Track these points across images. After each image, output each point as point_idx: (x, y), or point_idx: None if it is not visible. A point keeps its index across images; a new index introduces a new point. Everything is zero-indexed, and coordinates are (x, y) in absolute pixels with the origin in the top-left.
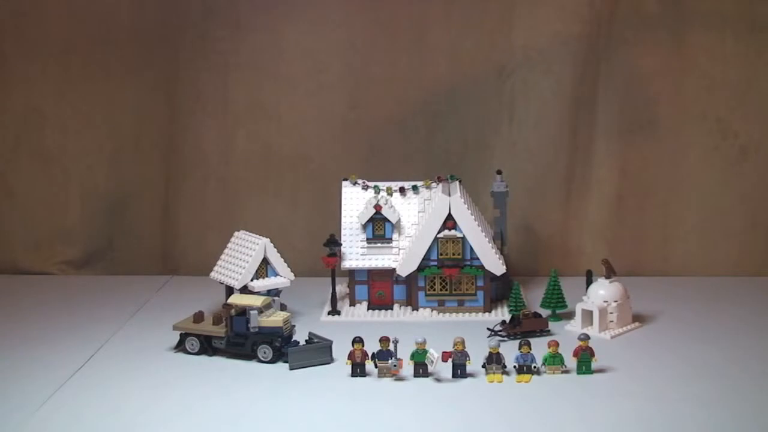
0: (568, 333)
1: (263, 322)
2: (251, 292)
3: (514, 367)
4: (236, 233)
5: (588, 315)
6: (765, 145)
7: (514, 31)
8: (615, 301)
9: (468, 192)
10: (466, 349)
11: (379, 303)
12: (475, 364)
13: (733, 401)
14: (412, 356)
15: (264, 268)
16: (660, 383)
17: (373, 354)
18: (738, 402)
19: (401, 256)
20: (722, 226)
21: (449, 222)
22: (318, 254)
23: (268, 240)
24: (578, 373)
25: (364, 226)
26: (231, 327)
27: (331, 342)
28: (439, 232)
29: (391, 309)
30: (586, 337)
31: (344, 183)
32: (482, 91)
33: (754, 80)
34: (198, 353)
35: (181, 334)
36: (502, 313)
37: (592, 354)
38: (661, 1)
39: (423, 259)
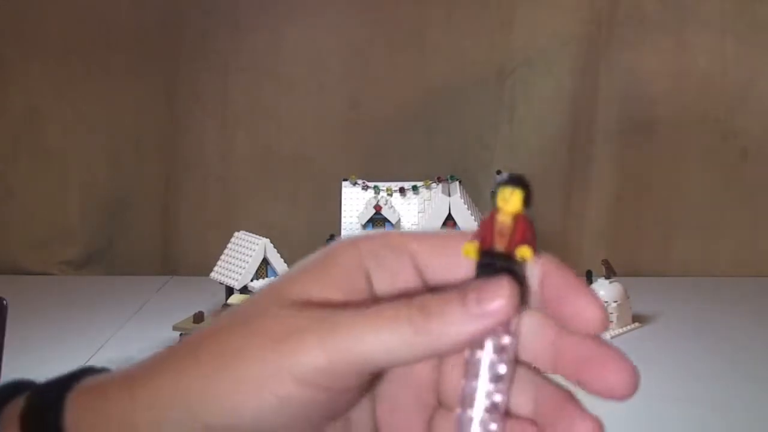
0: None
1: None
2: (251, 293)
3: None
4: (236, 233)
5: None
6: (765, 145)
7: (514, 31)
8: (615, 302)
9: (468, 192)
10: None
11: None
12: None
13: (734, 402)
14: None
15: (264, 269)
16: (660, 383)
17: None
18: (738, 402)
19: None
20: (722, 226)
21: (449, 222)
22: None
23: (268, 240)
24: None
25: (364, 227)
26: None
27: None
28: None
29: None
30: None
31: (344, 183)
32: (482, 91)
33: (754, 80)
34: None
35: (181, 334)
36: None
37: None
38: (662, 2)
39: None
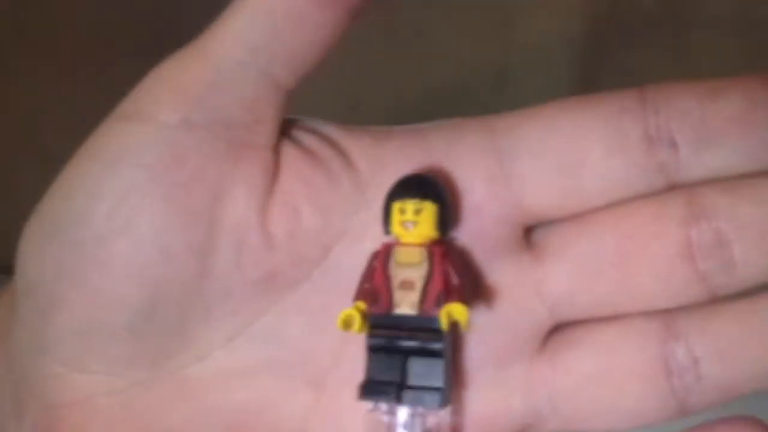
0: None
1: None
2: None
3: None
4: None
5: None
6: None
7: (514, 31)
8: None
9: None
10: None
11: None
12: None
13: (734, 403)
14: None
15: None
16: None
17: None
18: (738, 403)
19: None
20: None
21: None
22: None
23: None
24: None
25: None
26: None
27: None
28: None
29: None
30: None
31: None
32: (482, 91)
33: None
34: None
35: None
36: None
37: None
38: (662, 1)
39: None
